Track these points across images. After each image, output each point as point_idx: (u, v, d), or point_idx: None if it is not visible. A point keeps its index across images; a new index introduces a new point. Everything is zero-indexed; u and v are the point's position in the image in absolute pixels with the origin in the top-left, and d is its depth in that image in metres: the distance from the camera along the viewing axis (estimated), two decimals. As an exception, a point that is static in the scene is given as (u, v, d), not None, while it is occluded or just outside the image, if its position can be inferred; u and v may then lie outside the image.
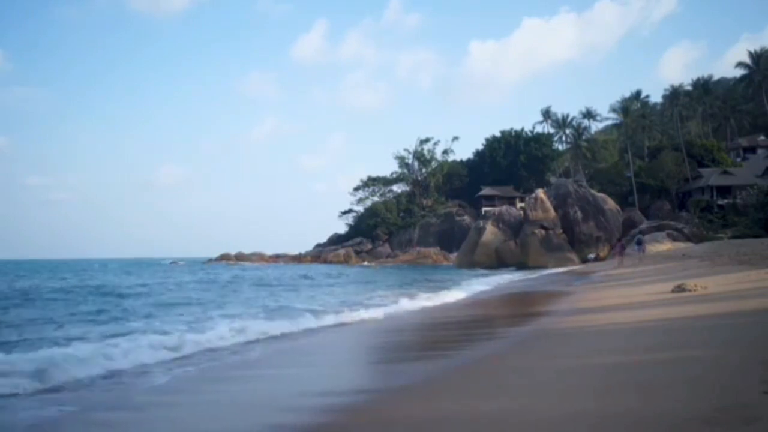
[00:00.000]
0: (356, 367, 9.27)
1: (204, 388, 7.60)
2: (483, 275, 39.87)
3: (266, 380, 8.04)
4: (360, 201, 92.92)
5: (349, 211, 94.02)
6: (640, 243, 39.95)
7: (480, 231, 60.37)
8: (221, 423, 5.69)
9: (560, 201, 58.42)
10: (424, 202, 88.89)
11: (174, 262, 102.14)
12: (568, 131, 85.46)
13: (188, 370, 8.71)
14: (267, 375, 8.49)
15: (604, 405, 4.88)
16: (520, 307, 18.18)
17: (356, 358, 10.35)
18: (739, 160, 71.54)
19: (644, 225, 55.30)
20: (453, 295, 22.17)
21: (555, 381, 6.24)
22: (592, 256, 53.11)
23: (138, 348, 9.70)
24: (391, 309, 17.46)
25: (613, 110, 75.94)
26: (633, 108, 76.73)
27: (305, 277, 41.21)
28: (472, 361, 8.41)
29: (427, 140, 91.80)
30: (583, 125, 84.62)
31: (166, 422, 5.97)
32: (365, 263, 73.62)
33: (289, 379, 8.10)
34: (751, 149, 73.62)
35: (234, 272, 51.79)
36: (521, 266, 51.64)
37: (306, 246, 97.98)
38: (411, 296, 21.30)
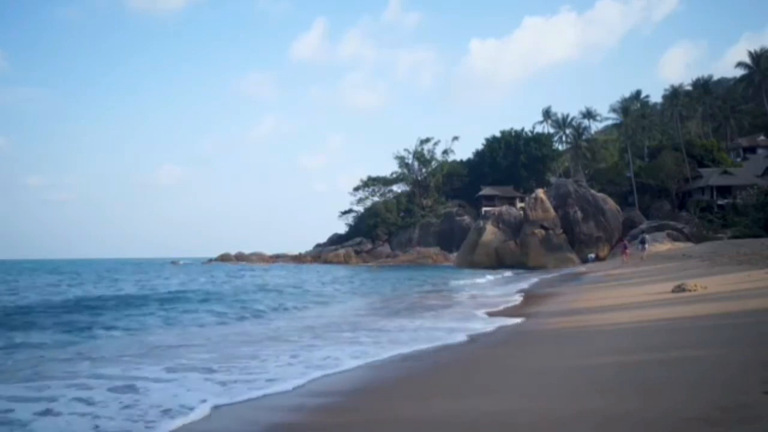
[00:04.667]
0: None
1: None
2: (502, 276, 39.22)
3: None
4: (360, 201, 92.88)
5: (349, 211, 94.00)
6: (643, 242, 40.21)
7: (480, 231, 60.36)
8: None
9: (560, 201, 58.42)
10: (424, 202, 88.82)
11: (174, 262, 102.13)
12: (568, 131, 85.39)
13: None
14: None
15: (606, 405, 4.90)
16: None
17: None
18: (739, 160, 71.44)
19: (644, 225, 55.29)
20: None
21: (557, 381, 6.26)
22: (592, 256, 53.12)
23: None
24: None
25: (613, 110, 75.88)
26: (633, 108, 76.61)
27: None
28: (471, 360, 8.42)
29: (427, 140, 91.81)
30: (583, 125, 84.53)
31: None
32: (374, 264, 72.93)
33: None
34: (751, 149, 73.55)
35: (263, 273, 50.34)
36: (521, 266, 51.61)
37: (306, 246, 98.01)
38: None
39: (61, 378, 7.78)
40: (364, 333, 12.00)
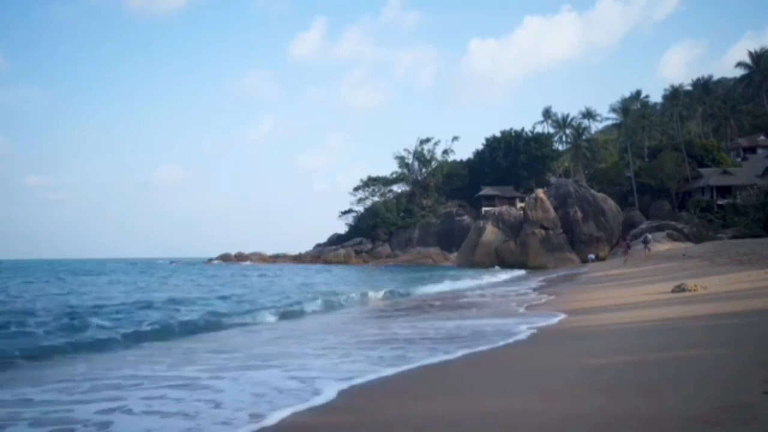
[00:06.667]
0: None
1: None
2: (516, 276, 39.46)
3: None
4: (360, 201, 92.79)
5: (349, 211, 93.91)
6: (646, 242, 40.39)
7: (480, 231, 60.44)
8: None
9: (560, 201, 58.47)
10: (424, 202, 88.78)
11: (173, 262, 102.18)
12: (568, 131, 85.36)
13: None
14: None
15: (607, 404, 4.91)
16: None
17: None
18: (739, 160, 71.39)
19: (644, 225, 55.32)
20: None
21: (557, 381, 6.27)
22: (592, 256, 53.16)
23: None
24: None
25: (613, 110, 75.77)
26: (633, 108, 76.59)
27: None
28: (474, 359, 8.41)
29: (427, 140, 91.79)
30: (583, 125, 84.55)
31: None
32: (373, 265, 72.64)
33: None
34: (751, 149, 73.48)
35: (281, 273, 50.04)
36: (521, 266, 51.63)
37: (306, 246, 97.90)
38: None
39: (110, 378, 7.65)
40: (417, 330, 11.98)
